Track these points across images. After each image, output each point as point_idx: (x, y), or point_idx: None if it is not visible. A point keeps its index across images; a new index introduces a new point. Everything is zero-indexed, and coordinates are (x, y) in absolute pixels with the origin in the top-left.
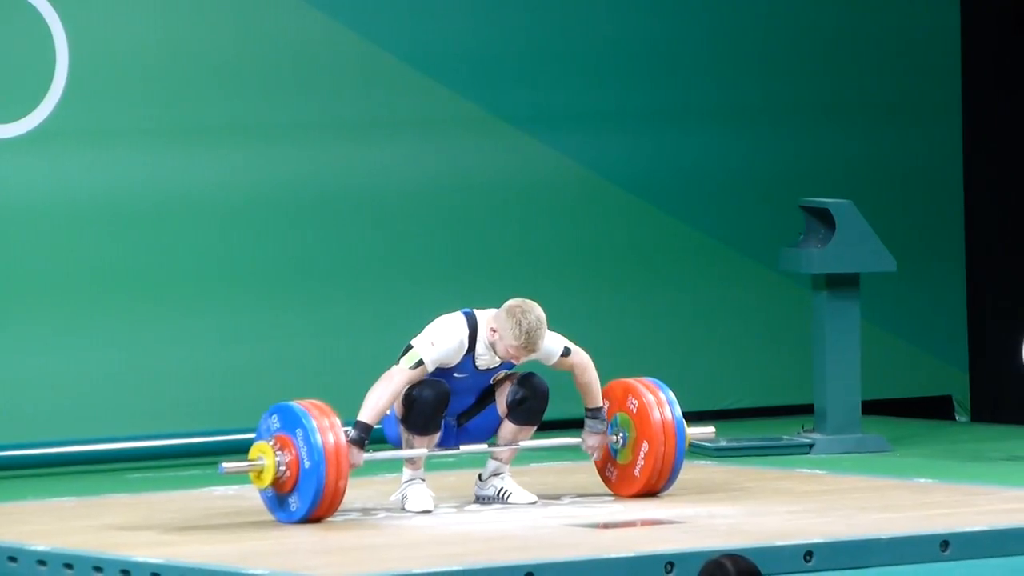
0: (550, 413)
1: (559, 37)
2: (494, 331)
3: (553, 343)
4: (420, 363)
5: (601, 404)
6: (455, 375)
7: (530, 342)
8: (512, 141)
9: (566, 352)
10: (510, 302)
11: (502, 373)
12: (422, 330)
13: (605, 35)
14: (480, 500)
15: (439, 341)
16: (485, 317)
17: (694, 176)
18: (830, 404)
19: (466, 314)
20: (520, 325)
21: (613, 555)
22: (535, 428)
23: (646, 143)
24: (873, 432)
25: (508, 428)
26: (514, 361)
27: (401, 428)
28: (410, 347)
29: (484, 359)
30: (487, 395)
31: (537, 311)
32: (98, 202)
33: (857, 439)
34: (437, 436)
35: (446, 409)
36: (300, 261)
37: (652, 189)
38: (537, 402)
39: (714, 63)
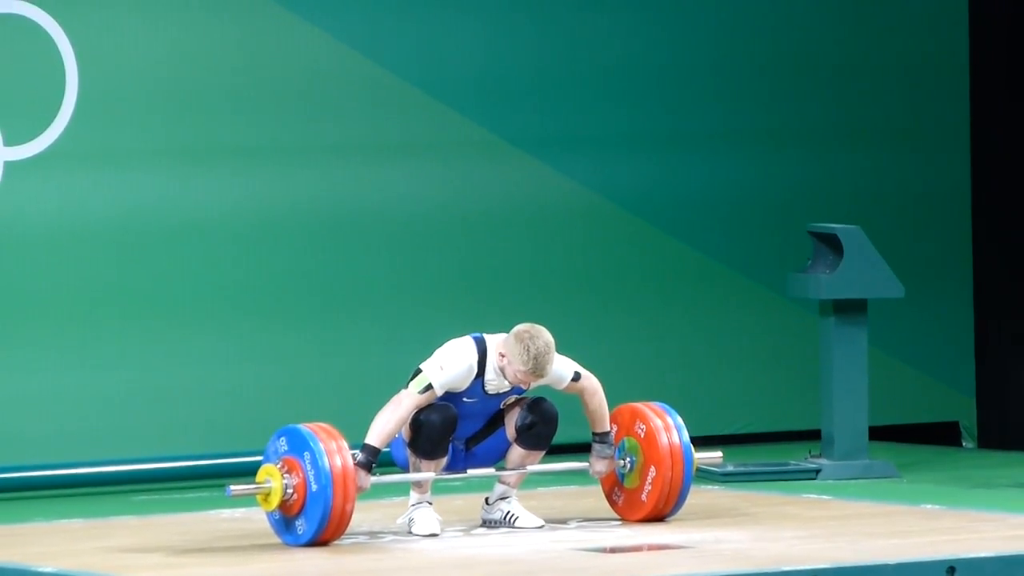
0: (558, 437)
1: (568, 62)
2: (503, 356)
3: (563, 367)
4: (429, 387)
5: (609, 429)
6: (464, 399)
7: (538, 367)
8: (520, 165)
9: (576, 377)
10: (519, 327)
11: (512, 398)
12: (431, 353)
13: (613, 60)
14: (487, 524)
15: (448, 365)
16: (494, 342)
17: (702, 201)
18: (837, 430)
19: (475, 339)
20: (528, 350)
21: None
22: (543, 453)
23: (654, 167)
24: (880, 458)
25: (516, 452)
26: (523, 386)
27: (408, 451)
28: (419, 371)
29: (493, 384)
30: (496, 419)
31: (545, 336)
32: (107, 223)
33: (864, 465)
34: (444, 460)
35: (453, 433)
36: (309, 283)
37: (660, 213)
38: (546, 427)
39: (722, 88)
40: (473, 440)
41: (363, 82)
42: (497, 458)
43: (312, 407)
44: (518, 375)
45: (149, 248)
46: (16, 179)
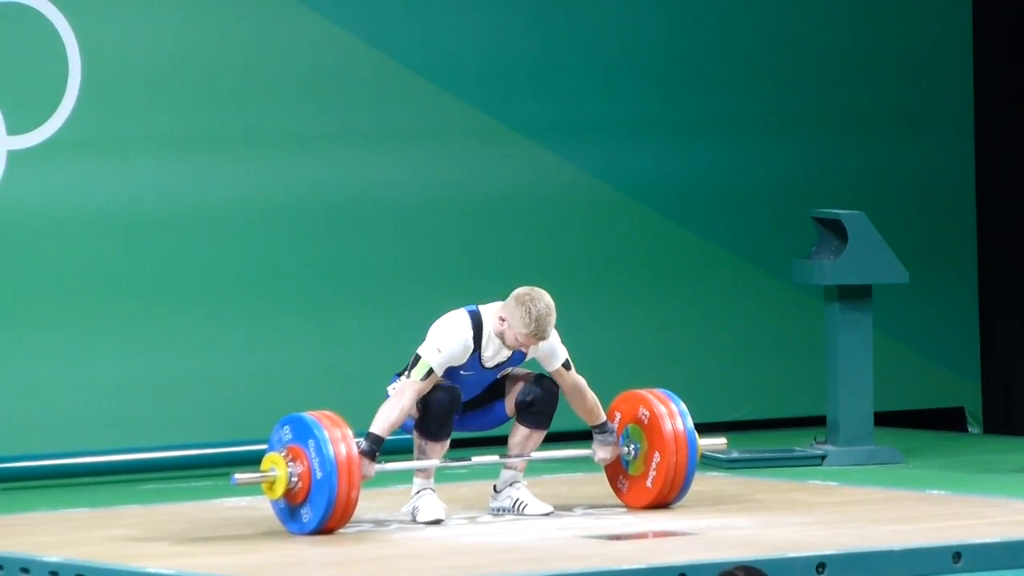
0: (563, 424)
1: (571, 48)
2: (503, 320)
3: (559, 347)
4: (430, 372)
5: (605, 419)
6: (461, 372)
7: (540, 329)
8: (524, 152)
9: (567, 365)
10: (519, 290)
11: (509, 369)
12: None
13: (617, 46)
14: (496, 512)
15: (445, 345)
16: (490, 312)
17: (706, 187)
18: (842, 415)
19: (470, 312)
20: (530, 312)
21: (625, 567)
22: (545, 432)
23: (658, 154)
24: (885, 444)
25: (519, 433)
26: (523, 350)
27: (414, 435)
28: (418, 357)
29: (490, 358)
30: (494, 390)
31: (546, 298)
32: (111, 212)
33: (869, 451)
34: (448, 442)
35: (458, 411)
36: (312, 271)
37: (665, 200)
38: (547, 404)
39: (726, 74)
40: (469, 406)
41: (365, 69)
42: (489, 427)
43: (316, 395)
44: (519, 338)
45: (152, 237)
46: (19, 168)
